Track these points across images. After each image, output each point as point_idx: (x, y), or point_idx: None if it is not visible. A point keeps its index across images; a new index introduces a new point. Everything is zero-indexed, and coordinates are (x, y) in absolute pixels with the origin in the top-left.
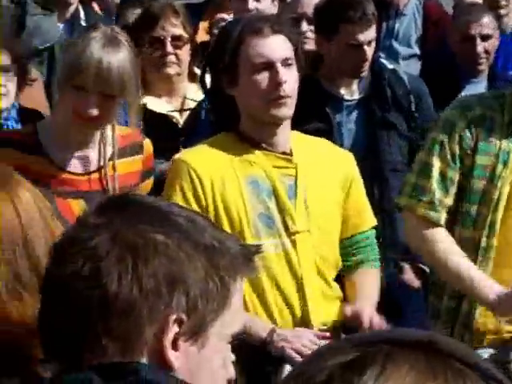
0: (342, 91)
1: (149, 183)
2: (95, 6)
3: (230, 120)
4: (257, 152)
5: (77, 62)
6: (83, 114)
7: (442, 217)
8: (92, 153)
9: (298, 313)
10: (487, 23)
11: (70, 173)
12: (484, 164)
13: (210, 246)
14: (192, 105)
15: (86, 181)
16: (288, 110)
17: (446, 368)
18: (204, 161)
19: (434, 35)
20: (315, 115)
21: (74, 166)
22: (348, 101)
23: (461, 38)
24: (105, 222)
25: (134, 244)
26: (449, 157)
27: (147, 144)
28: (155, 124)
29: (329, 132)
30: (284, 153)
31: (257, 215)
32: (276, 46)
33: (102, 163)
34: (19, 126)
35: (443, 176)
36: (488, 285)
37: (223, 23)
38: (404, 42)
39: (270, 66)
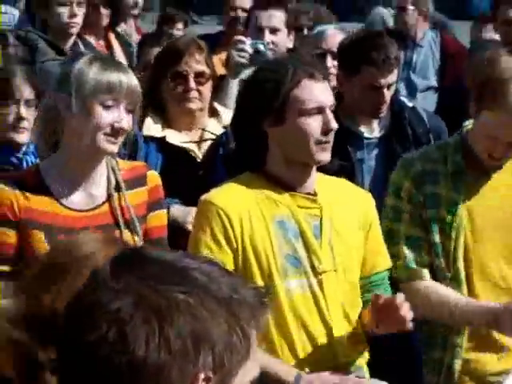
0: (363, 129)
1: (161, 215)
2: (118, 48)
3: (256, 159)
4: (283, 193)
5: (103, 79)
6: (115, 129)
7: (424, 271)
8: (96, 188)
9: (325, 354)
10: None
11: (75, 210)
12: (435, 217)
13: (228, 298)
14: (211, 138)
15: (92, 216)
16: (329, 154)
17: None
18: (232, 201)
19: (451, 69)
20: (336, 152)
21: (79, 202)
22: (369, 139)
23: None
24: (123, 285)
25: (157, 306)
26: (407, 218)
27: (152, 175)
28: (174, 157)
29: (350, 169)
30: (309, 193)
31: (284, 256)
32: (326, 92)
33: (106, 198)
34: (37, 161)
35: (409, 237)
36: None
37: (242, 45)
38: (421, 74)
39: (321, 110)
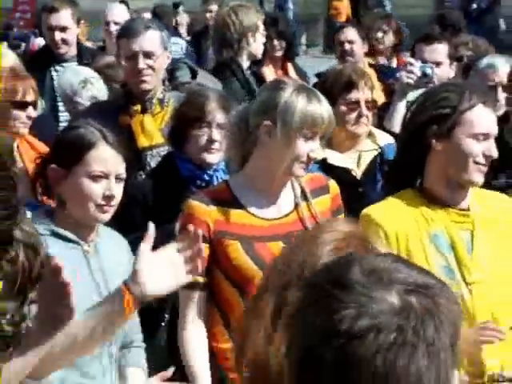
0: None
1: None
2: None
3: (415, 175)
4: (438, 209)
5: (308, 113)
6: (309, 158)
7: None
8: (283, 199)
9: (472, 359)
10: None
11: (266, 219)
12: None
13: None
14: (368, 158)
15: (281, 224)
16: (482, 177)
17: None
18: (389, 218)
19: None
20: (503, 171)
21: (269, 212)
22: None
23: None
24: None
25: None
26: None
27: (333, 184)
28: (335, 176)
29: None
30: (462, 209)
31: (439, 267)
32: (494, 121)
33: (294, 206)
34: (227, 177)
35: None
36: None
37: (411, 67)
38: None
39: (487, 137)
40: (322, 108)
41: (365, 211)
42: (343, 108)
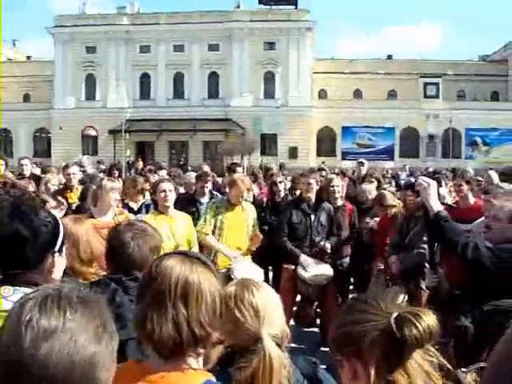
0: None
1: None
2: None
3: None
4: (164, 217)
5: None
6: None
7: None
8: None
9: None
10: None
11: (101, 222)
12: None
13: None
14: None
15: (109, 224)
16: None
17: None
18: (151, 220)
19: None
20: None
21: (103, 219)
22: None
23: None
24: None
25: None
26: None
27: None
28: None
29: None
30: (171, 216)
31: (166, 236)
32: None
33: (112, 218)
34: None
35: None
36: None
37: None
38: None
39: None
40: None
41: (143, 218)
42: None
